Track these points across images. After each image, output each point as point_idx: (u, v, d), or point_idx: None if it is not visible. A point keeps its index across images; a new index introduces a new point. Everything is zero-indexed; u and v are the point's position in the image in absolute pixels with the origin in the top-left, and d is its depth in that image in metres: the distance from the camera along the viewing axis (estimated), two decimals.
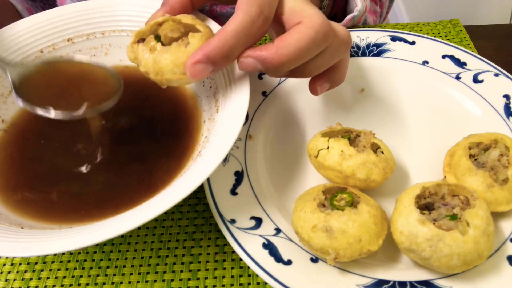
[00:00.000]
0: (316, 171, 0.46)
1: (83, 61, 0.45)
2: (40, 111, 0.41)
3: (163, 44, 0.40)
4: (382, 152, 0.44)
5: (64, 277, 0.43)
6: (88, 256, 0.44)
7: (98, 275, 0.43)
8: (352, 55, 0.58)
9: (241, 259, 0.43)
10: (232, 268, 0.43)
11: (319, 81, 0.44)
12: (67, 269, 0.44)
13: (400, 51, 0.58)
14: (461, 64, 0.56)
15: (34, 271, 0.44)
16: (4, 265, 0.44)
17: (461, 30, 0.64)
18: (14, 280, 0.43)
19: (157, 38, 0.40)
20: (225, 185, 0.45)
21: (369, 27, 0.62)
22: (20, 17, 0.67)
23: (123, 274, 0.43)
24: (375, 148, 0.44)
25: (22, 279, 0.43)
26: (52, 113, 0.41)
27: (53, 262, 0.44)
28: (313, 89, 0.44)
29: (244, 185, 0.45)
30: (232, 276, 0.42)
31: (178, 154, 0.44)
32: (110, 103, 0.43)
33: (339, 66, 0.44)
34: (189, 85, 0.50)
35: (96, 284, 0.43)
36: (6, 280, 0.43)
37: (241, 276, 0.42)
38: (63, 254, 0.45)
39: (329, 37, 0.38)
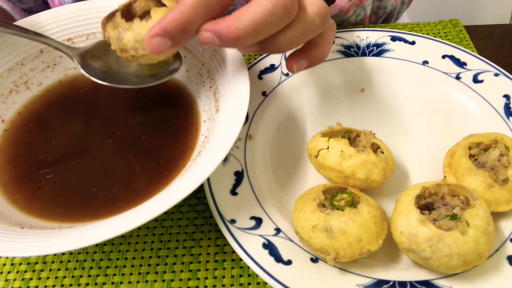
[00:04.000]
0: (316, 171, 0.46)
1: None
2: (106, 83, 0.43)
3: (127, 21, 0.39)
4: (382, 152, 0.44)
5: (64, 277, 0.43)
6: (88, 256, 0.44)
7: (98, 275, 0.43)
8: (352, 55, 0.58)
9: (241, 259, 0.43)
10: (232, 268, 0.43)
11: (296, 58, 0.41)
12: (67, 269, 0.44)
13: (400, 51, 0.58)
14: (461, 64, 0.56)
15: (34, 271, 0.44)
16: (4, 265, 0.44)
17: (461, 30, 0.64)
18: (14, 280, 0.43)
19: (128, 15, 0.40)
20: (225, 185, 0.45)
21: (369, 27, 0.62)
22: (11, 17, 0.66)
23: (123, 274, 0.43)
24: (375, 148, 0.44)
25: (22, 279, 0.43)
26: (117, 84, 0.43)
27: (53, 262, 0.44)
28: (289, 66, 0.42)
29: (244, 185, 0.45)
30: (232, 276, 0.42)
31: (178, 154, 0.44)
32: (169, 74, 0.44)
33: (319, 42, 0.41)
34: (189, 85, 0.50)
35: (96, 284, 0.43)
36: (6, 280, 0.43)
37: (241, 276, 0.42)
38: (63, 254, 0.45)
39: (290, 10, 0.36)
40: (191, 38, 0.37)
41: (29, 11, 0.70)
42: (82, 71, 0.43)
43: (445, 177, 0.45)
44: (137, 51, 0.39)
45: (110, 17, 0.41)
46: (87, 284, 0.43)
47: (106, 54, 0.45)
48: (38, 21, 0.50)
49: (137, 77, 0.45)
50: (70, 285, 0.43)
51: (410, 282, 0.39)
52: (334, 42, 0.58)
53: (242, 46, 0.37)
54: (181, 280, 0.42)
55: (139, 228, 0.41)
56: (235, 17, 0.35)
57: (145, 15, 0.39)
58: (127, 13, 0.40)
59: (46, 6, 0.71)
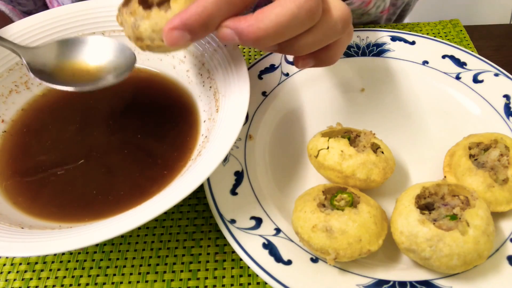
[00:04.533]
0: (316, 171, 0.46)
1: (96, 38, 0.46)
2: (55, 86, 0.42)
3: (145, 8, 0.38)
4: (382, 152, 0.44)
5: (64, 277, 0.43)
6: (88, 256, 0.44)
7: (98, 275, 0.43)
8: (352, 55, 0.58)
9: (241, 259, 0.43)
10: (232, 268, 0.43)
11: (303, 55, 0.40)
12: (67, 269, 0.44)
13: (400, 51, 0.58)
14: (461, 64, 0.56)
15: (34, 271, 0.44)
16: (4, 265, 0.44)
17: (461, 30, 0.64)
18: (14, 280, 0.43)
19: (144, 1, 0.39)
20: (225, 185, 0.45)
21: (369, 27, 0.62)
22: (10, 19, 0.66)
23: (123, 274, 0.43)
24: (375, 148, 0.44)
25: (22, 279, 0.43)
26: (66, 87, 0.42)
27: (53, 262, 0.44)
28: (295, 60, 0.41)
29: (244, 185, 0.45)
30: (232, 276, 0.42)
31: (178, 154, 0.44)
32: (123, 75, 0.43)
33: (332, 45, 0.40)
34: (189, 85, 0.50)
35: (96, 284, 0.43)
36: (6, 280, 0.43)
37: (241, 276, 0.42)
38: (63, 254, 0.45)
39: (314, 15, 0.35)
40: (211, 33, 0.36)
41: (29, 14, 0.70)
42: (30, 73, 0.42)
43: (445, 177, 0.45)
44: (153, 41, 0.38)
45: (127, 2, 0.40)
46: (87, 284, 0.43)
47: (60, 53, 0.45)
48: (38, 21, 0.50)
49: (89, 78, 0.44)
50: (70, 285, 0.43)
51: (410, 282, 0.39)
52: None
53: (262, 46, 0.36)
54: (181, 280, 0.42)
55: (139, 228, 0.41)
56: (257, 17, 0.34)
57: (162, 2, 0.38)
58: None
59: (46, 9, 0.71)
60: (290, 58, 0.57)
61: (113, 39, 0.46)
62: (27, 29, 0.49)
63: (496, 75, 0.54)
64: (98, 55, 0.46)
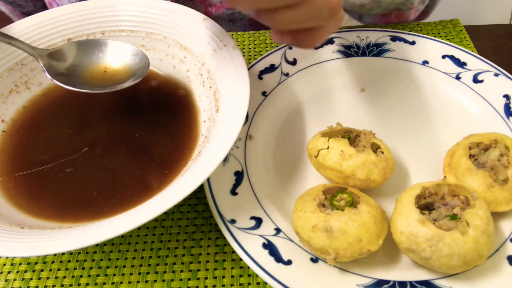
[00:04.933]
0: (316, 171, 0.46)
1: (110, 41, 0.48)
2: (71, 88, 0.43)
3: None
4: (382, 152, 0.44)
5: (64, 277, 0.43)
6: (88, 256, 0.44)
7: (98, 275, 0.43)
8: (352, 55, 0.58)
9: (241, 259, 0.43)
10: (232, 268, 0.43)
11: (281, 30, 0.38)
12: (67, 269, 0.44)
13: (400, 51, 0.58)
14: (461, 64, 0.56)
15: (34, 271, 0.44)
16: (4, 265, 0.44)
17: (461, 30, 0.64)
18: (14, 280, 0.43)
19: None
20: (225, 185, 0.45)
21: (369, 27, 0.62)
22: (10, 20, 0.66)
23: (123, 274, 0.43)
24: (375, 148, 0.44)
25: (22, 279, 0.43)
26: (82, 89, 0.44)
27: (53, 262, 0.44)
28: (273, 33, 0.39)
29: (244, 185, 0.45)
30: (232, 276, 0.42)
31: (178, 154, 0.44)
32: (137, 79, 0.45)
33: (314, 29, 0.38)
34: (189, 84, 0.50)
35: (96, 284, 0.42)
36: (6, 280, 0.43)
37: (241, 276, 0.42)
38: (63, 254, 0.45)
39: None
40: None
41: (29, 15, 0.70)
42: (47, 74, 0.43)
43: (445, 177, 0.45)
44: None
45: None
46: (87, 284, 0.43)
47: (75, 56, 0.46)
48: (38, 21, 0.50)
49: (104, 81, 0.46)
50: (70, 285, 0.43)
51: (410, 282, 0.39)
52: (334, 42, 0.58)
53: (237, 5, 0.34)
54: (181, 280, 0.42)
55: (139, 228, 0.41)
56: None
57: None
58: None
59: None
60: (291, 58, 0.57)
61: (128, 44, 0.47)
62: (27, 29, 0.49)
63: (496, 75, 0.54)
64: (114, 59, 0.47)
